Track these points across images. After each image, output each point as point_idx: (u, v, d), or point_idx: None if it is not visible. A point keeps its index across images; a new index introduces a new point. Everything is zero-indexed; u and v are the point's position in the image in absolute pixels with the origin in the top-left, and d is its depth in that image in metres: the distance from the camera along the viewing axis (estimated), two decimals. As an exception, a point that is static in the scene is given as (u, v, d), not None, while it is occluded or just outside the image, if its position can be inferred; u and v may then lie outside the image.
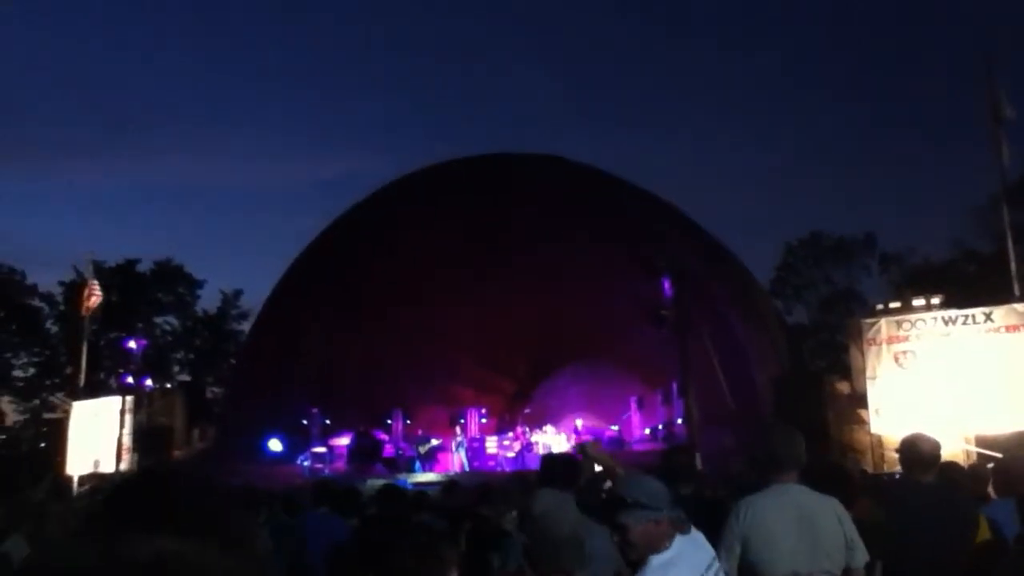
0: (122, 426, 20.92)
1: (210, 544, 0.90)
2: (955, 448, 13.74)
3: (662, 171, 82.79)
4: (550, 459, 4.75)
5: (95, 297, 24.07)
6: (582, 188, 23.94)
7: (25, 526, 4.78)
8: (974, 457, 13.09)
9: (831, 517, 3.61)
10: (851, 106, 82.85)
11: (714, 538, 3.28)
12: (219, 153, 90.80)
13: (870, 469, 14.59)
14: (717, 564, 3.09)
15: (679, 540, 2.92)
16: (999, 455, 12.13)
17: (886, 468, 13.76)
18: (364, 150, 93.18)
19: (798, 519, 3.52)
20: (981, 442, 14.27)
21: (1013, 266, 16.10)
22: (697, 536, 3.09)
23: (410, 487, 10.68)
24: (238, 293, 40.75)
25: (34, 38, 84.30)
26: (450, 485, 7.91)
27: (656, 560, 2.85)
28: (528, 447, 19.76)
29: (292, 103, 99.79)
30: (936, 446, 4.45)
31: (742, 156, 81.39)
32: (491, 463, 19.98)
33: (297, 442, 20.55)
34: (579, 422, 21.04)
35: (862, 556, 3.61)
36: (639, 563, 2.93)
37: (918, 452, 4.42)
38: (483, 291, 21.73)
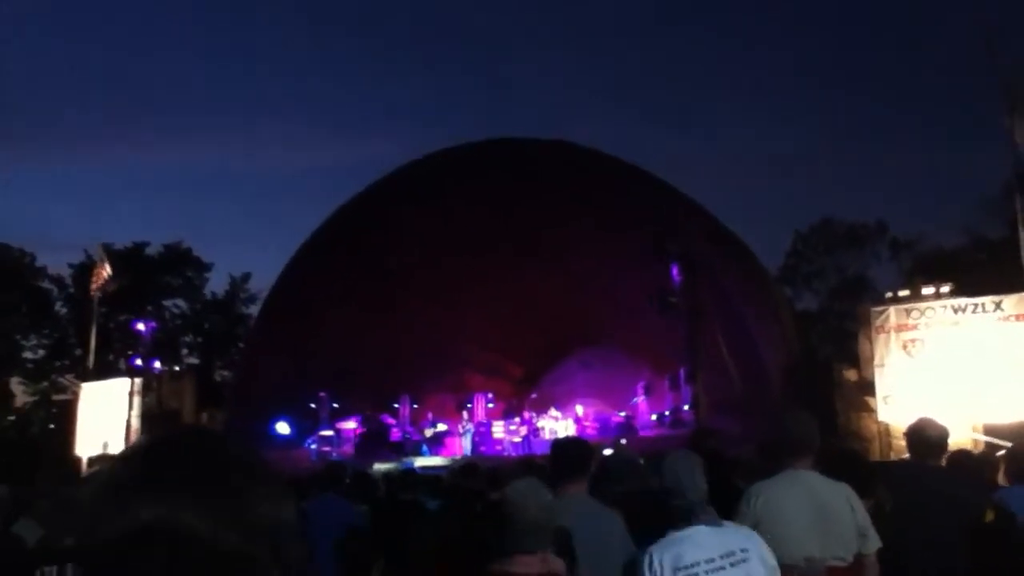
0: (131, 408, 21.03)
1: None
2: (963, 437, 13.72)
3: (671, 156, 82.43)
4: (560, 444, 4.72)
5: (105, 275, 24.10)
6: (591, 173, 23.82)
7: (35, 509, 4.75)
8: (982, 446, 13.07)
9: (843, 503, 3.59)
10: (864, 93, 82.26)
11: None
12: (230, 137, 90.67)
13: (877, 457, 14.58)
14: (745, 556, 3.08)
15: (699, 527, 3.09)
16: (1008, 443, 12.12)
17: (893, 456, 13.74)
18: (378, 137, 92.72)
19: (810, 505, 3.51)
20: (990, 431, 14.24)
21: (1024, 254, 15.97)
22: (727, 527, 3.15)
23: (417, 471, 10.71)
24: (247, 277, 40.79)
25: (45, 22, 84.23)
26: (468, 467, 7.88)
27: (673, 535, 3.07)
28: (534, 432, 19.83)
29: (305, 89, 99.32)
30: (944, 432, 4.43)
31: (753, 143, 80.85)
32: (497, 448, 20.06)
33: (305, 426, 20.64)
34: (580, 408, 21.04)
35: (874, 543, 3.60)
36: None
37: (926, 438, 4.40)
38: (492, 276, 21.71)
